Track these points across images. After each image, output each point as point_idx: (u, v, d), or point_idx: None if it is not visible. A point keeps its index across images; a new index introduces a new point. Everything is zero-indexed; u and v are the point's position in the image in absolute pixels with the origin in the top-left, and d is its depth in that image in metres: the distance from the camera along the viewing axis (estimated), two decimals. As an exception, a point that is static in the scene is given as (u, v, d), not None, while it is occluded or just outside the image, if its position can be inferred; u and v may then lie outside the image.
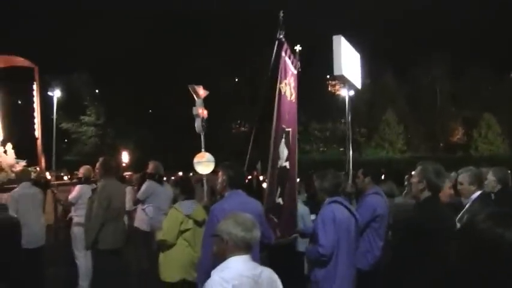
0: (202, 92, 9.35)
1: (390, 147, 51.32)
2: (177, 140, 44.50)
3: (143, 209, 8.88)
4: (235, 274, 3.25)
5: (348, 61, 7.86)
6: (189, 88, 9.28)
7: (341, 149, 48.49)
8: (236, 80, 57.08)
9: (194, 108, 9.26)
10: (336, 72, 7.27)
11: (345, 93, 10.36)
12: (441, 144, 55.02)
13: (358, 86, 8.26)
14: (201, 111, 9.27)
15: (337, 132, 51.79)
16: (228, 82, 52.78)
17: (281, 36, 6.27)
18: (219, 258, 3.41)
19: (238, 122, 56.77)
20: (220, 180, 5.26)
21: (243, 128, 56.28)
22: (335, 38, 7.91)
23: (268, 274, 3.42)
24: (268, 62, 6.69)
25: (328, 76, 51.47)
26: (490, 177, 6.05)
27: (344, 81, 7.56)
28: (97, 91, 54.74)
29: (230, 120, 53.88)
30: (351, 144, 9.46)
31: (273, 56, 6.44)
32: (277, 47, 6.35)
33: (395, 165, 34.62)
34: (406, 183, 8.68)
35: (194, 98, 9.25)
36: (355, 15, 53.13)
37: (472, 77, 51.07)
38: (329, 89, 55.63)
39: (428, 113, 53.45)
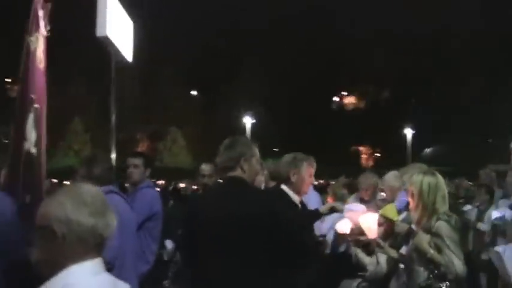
0: None
1: (75, 156, 49.49)
2: None
3: None
4: None
5: (119, 25, 6.55)
6: None
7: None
8: None
9: None
10: (99, 33, 5.90)
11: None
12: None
13: (129, 58, 7.00)
14: None
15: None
16: None
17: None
18: (46, 269, 1.94)
19: None
20: None
21: None
22: None
23: None
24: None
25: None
26: None
27: (109, 46, 6.21)
28: None
29: None
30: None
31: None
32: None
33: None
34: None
35: None
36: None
37: (161, 92, 52.51)
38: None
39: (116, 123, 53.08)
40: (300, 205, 4.21)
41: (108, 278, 2.04)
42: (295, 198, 4.12)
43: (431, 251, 3.67)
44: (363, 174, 6.98)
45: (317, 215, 3.94)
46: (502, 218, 7.17)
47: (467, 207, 7.96)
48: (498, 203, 7.80)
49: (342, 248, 5.92)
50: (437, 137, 48.85)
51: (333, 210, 4.05)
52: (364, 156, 60.82)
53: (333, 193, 7.18)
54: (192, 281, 3.54)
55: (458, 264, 3.62)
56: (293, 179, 4.10)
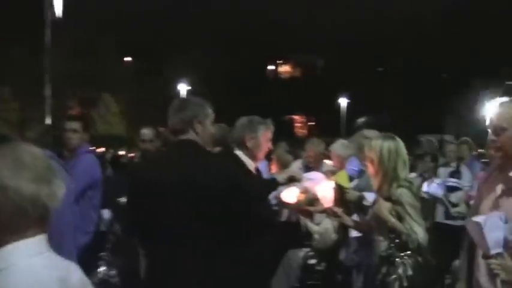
0: None
1: (4, 125, 47.58)
2: None
3: None
4: (23, 283, 1.55)
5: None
6: None
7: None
8: None
9: None
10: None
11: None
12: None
13: (60, 13, 6.50)
14: None
15: None
16: None
17: None
18: None
19: None
20: None
21: None
22: None
23: (79, 276, 1.78)
24: None
25: None
26: None
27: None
28: None
29: None
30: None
31: None
32: None
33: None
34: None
35: None
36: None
37: (94, 57, 50.69)
38: None
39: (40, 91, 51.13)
40: (255, 172, 3.98)
41: (53, 258, 1.71)
42: (251, 164, 3.88)
43: (393, 220, 3.53)
44: (310, 141, 6.85)
45: (274, 184, 3.71)
46: (430, 194, 7.24)
47: (412, 175, 7.99)
48: (439, 171, 7.86)
49: (284, 217, 5.80)
50: (371, 107, 49.65)
51: (291, 179, 3.83)
52: (298, 125, 61.14)
53: (277, 159, 7.02)
54: (145, 253, 3.29)
55: (420, 233, 3.50)
56: (249, 144, 3.84)
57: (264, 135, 3.90)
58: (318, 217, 5.71)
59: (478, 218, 2.52)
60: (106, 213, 6.46)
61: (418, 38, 52.64)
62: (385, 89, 52.47)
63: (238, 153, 3.87)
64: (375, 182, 3.78)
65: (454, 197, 7.33)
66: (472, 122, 35.36)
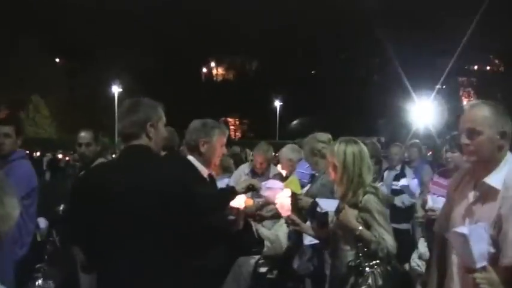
0: None
1: None
2: None
3: None
4: None
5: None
6: None
7: None
8: None
9: None
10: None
11: None
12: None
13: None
14: None
15: None
16: None
17: None
18: None
19: None
20: None
21: None
22: None
23: None
24: None
25: None
26: None
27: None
28: None
29: None
30: None
31: None
32: None
33: None
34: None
35: None
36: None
37: (23, 58, 48.90)
38: None
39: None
40: (208, 179, 3.75)
41: None
42: (204, 171, 3.65)
43: (360, 228, 3.37)
44: (258, 145, 6.64)
45: (233, 193, 3.50)
46: (406, 186, 7.15)
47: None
48: (383, 174, 7.82)
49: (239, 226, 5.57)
50: (304, 109, 50.16)
51: (249, 188, 3.61)
52: (232, 127, 60.93)
53: (219, 164, 6.79)
54: (91, 264, 3.03)
55: (389, 240, 3.35)
56: (203, 149, 3.60)
57: (219, 140, 3.68)
58: (267, 223, 5.54)
59: (462, 229, 2.35)
60: (42, 222, 6.06)
61: (349, 41, 53.59)
62: (318, 91, 53.18)
63: (190, 158, 3.65)
64: (339, 189, 3.61)
65: (398, 200, 7.29)
66: (402, 124, 36.27)
